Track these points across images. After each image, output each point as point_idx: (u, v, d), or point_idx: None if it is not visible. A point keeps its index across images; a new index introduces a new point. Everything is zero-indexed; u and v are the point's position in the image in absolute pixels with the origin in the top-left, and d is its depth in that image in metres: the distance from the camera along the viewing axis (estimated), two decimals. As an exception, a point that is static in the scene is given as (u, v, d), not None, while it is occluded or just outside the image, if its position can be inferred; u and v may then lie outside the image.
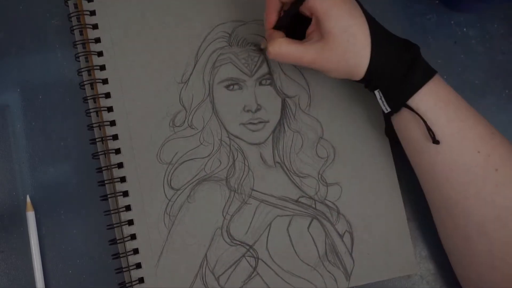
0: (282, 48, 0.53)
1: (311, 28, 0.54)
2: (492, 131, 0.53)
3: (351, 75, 0.54)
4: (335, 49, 0.52)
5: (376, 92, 0.55)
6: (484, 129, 0.53)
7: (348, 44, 0.51)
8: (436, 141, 0.52)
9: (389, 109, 0.54)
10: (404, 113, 0.53)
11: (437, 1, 0.66)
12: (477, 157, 0.51)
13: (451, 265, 0.58)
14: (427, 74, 0.53)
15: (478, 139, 0.52)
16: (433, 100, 0.52)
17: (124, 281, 0.58)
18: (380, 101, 0.55)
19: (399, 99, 0.53)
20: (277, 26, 0.56)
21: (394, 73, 0.52)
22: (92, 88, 0.61)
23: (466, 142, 0.52)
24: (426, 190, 0.57)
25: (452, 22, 0.66)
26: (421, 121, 0.52)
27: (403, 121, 0.54)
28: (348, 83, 0.61)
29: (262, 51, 0.62)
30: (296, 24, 0.56)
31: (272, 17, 0.56)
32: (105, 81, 0.61)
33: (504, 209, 0.51)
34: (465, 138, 0.52)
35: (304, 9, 0.53)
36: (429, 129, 0.51)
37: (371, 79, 0.54)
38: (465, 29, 0.66)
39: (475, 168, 0.51)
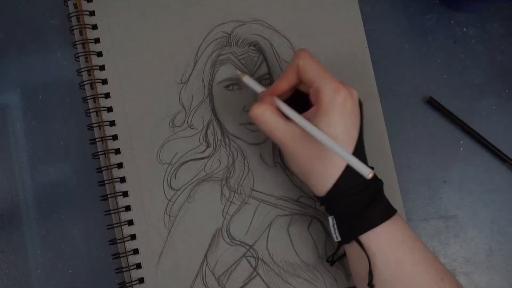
0: (265, 114, 0.50)
1: (306, 114, 0.51)
2: (442, 277, 0.50)
3: (309, 184, 0.52)
4: (311, 148, 0.49)
5: (330, 218, 0.52)
6: (434, 276, 0.49)
7: (324, 153, 0.49)
8: (370, 285, 0.49)
9: (339, 239, 0.52)
10: (355, 246, 0.51)
11: (437, 1, 0.66)
12: None
13: None
14: (386, 213, 0.50)
15: (425, 287, 0.49)
16: (385, 241, 0.49)
17: (124, 281, 0.58)
18: (331, 228, 0.52)
19: (351, 232, 0.50)
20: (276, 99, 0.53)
21: (353, 206, 0.50)
22: (92, 88, 0.61)
23: None
24: None
25: (452, 22, 0.66)
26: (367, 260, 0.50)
27: (353, 254, 0.52)
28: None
29: (237, 79, 0.61)
30: (302, 99, 0.53)
31: (281, 86, 0.53)
32: (104, 81, 0.61)
33: None
34: (410, 285, 0.49)
35: (312, 96, 0.51)
36: (370, 273, 0.49)
37: (329, 203, 0.51)
38: (465, 29, 0.66)
39: None
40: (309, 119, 0.49)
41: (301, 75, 0.51)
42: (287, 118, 0.51)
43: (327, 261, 0.58)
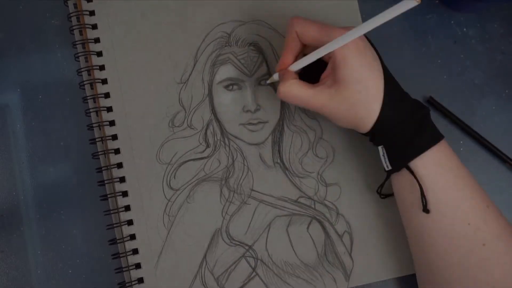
0: (293, 89, 0.52)
1: (326, 72, 0.53)
2: (488, 204, 0.51)
3: (357, 127, 0.53)
4: (346, 99, 0.51)
5: (380, 148, 0.54)
6: (479, 202, 0.51)
7: (360, 96, 0.50)
8: (426, 210, 0.51)
9: (390, 167, 0.53)
10: (403, 173, 0.52)
11: (437, 1, 0.66)
12: (466, 229, 0.50)
13: None
14: (433, 139, 0.51)
15: (471, 211, 0.50)
16: (433, 166, 0.51)
17: (124, 281, 0.58)
18: (382, 158, 0.54)
19: (401, 159, 0.52)
20: (291, 67, 0.55)
21: (400, 133, 0.51)
22: (91, 88, 0.61)
23: (458, 213, 0.50)
24: (413, 250, 0.56)
25: (452, 22, 0.66)
26: (418, 185, 0.51)
27: (401, 182, 0.53)
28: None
29: (269, 84, 0.62)
30: (311, 66, 0.54)
31: (288, 59, 0.55)
32: (104, 81, 0.61)
33: (485, 284, 0.49)
34: (457, 208, 0.50)
35: (324, 57, 0.53)
36: (422, 196, 0.51)
37: (376, 135, 0.53)
38: (465, 29, 0.66)
39: (463, 240, 0.50)
40: (330, 76, 0.52)
41: (303, 40, 0.53)
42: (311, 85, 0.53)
43: (377, 192, 0.60)
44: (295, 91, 0.52)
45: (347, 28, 0.50)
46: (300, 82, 0.53)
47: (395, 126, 0.51)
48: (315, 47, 0.52)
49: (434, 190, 0.51)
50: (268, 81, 0.60)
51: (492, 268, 0.50)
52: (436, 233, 0.51)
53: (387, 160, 0.53)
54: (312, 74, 0.55)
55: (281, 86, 0.53)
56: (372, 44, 0.54)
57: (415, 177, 0.51)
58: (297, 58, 0.55)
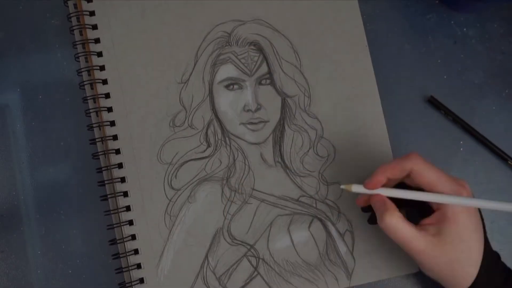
0: (399, 225, 0.49)
1: (430, 220, 0.51)
2: None
3: (448, 284, 0.52)
4: (447, 254, 0.49)
5: None
6: None
7: (461, 256, 0.49)
8: None
9: None
10: None
11: (437, 1, 0.66)
12: None
13: None
14: None
15: None
16: None
17: (124, 281, 0.58)
18: None
19: None
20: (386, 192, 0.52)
21: None
22: (92, 88, 0.61)
23: None
24: None
25: (452, 22, 0.66)
26: None
27: None
28: (347, 83, 0.61)
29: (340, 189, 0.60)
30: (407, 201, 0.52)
31: (382, 178, 0.52)
32: (104, 82, 0.61)
33: None
34: None
35: (432, 202, 0.52)
36: None
37: None
38: (465, 29, 0.66)
39: None
40: (434, 224, 0.51)
41: (415, 179, 0.51)
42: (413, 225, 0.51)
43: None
44: (400, 226, 0.50)
45: (464, 186, 0.50)
46: (404, 219, 0.50)
47: None
48: (418, 184, 0.51)
49: None
50: (344, 187, 0.54)
51: None
52: None
53: None
54: (402, 203, 0.53)
55: (386, 216, 0.50)
56: None
57: None
58: (387, 183, 0.53)
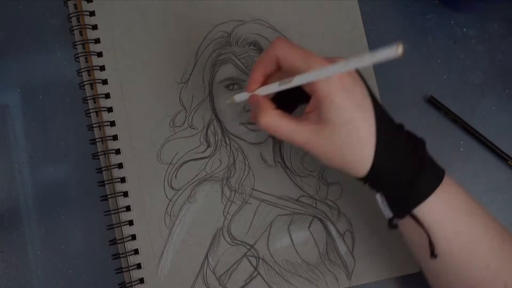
0: (276, 121, 0.46)
1: (309, 107, 0.47)
2: (503, 237, 0.48)
3: (347, 171, 0.48)
4: (332, 139, 0.45)
5: (378, 195, 0.49)
6: (495, 239, 0.47)
7: (348, 138, 0.45)
8: (433, 256, 0.47)
9: (391, 215, 0.49)
10: (408, 219, 0.47)
11: (437, 1, 0.66)
12: (486, 272, 0.47)
13: None
14: (435, 179, 0.47)
15: (489, 253, 0.47)
16: (441, 211, 0.46)
17: (124, 282, 0.58)
18: (381, 206, 0.49)
19: (403, 208, 0.47)
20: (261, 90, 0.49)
21: (399, 179, 0.46)
22: (92, 89, 0.61)
23: (475, 257, 0.47)
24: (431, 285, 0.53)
25: (452, 22, 0.66)
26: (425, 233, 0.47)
27: (407, 227, 0.49)
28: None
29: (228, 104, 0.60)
30: (286, 93, 0.48)
31: (259, 79, 0.49)
32: (104, 82, 0.61)
33: None
34: (473, 253, 0.47)
35: (304, 86, 0.46)
36: (430, 245, 0.47)
37: (372, 182, 0.48)
38: (465, 29, 0.66)
39: (483, 283, 0.47)
40: (314, 111, 0.46)
41: (283, 64, 0.47)
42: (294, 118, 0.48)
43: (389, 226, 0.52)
44: (278, 123, 0.46)
45: (331, 60, 0.45)
46: (283, 114, 0.47)
47: (393, 172, 0.46)
48: (291, 74, 0.46)
49: (445, 237, 0.47)
50: (229, 101, 0.55)
51: None
52: (454, 276, 0.48)
53: (386, 207, 0.49)
54: (285, 101, 0.51)
55: (261, 116, 0.47)
56: (361, 77, 0.48)
57: (422, 226, 0.47)
58: (267, 81, 0.50)
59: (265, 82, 0.50)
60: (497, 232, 0.48)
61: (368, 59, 0.39)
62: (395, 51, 0.38)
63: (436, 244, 0.47)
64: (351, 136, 0.45)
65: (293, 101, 0.51)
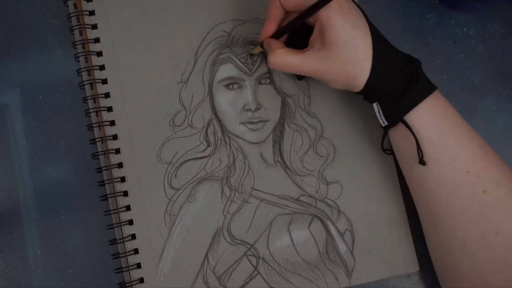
0: (283, 58, 0.53)
1: (313, 36, 0.53)
2: (486, 151, 0.52)
3: (350, 87, 0.54)
4: (336, 60, 0.51)
5: (375, 105, 0.55)
6: (477, 149, 0.52)
7: (349, 56, 0.51)
8: (422, 162, 0.52)
9: (386, 123, 0.54)
10: (400, 128, 0.53)
11: (437, 1, 0.66)
12: (466, 177, 0.51)
13: (437, 276, 0.58)
14: (426, 90, 0.52)
15: (470, 159, 0.51)
16: (428, 117, 0.52)
17: (124, 281, 0.58)
18: (377, 114, 0.55)
19: (396, 114, 0.53)
20: (276, 35, 0.56)
21: (393, 88, 0.52)
22: (92, 88, 0.61)
23: (457, 161, 0.51)
24: (416, 203, 0.57)
25: (452, 22, 0.66)
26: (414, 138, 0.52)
27: (398, 136, 0.54)
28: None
29: (251, 56, 0.62)
30: (297, 31, 0.56)
31: (271, 27, 0.56)
32: (104, 81, 0.61)
33: (489, 231, 0.50)
34: (456, 157, 0.51)
35: (309, 19, 0.53)
36: (418, 149, 0.52)
37: (370, 92, 0.54)
38: (465, 29, 0.66)
39: (463, 188, 0.51)
40: (317, 39, 0.52)
41: (286, 6, 0.54)
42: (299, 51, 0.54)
43: (383, 149, 0.60)
44: (285, 58, 0.53)
45: None
46: (289, 50, 0.54)
47: (387, 82, 0.52)
48: (298, 13, 0.53)
49: (431, 141, 0.52)
50: (254, 52, 0.61)
51: (494, 214, 0.51)
52: (436, 184, 0.52)
53: (382, 116, 0.54)
54: (299, 40, 0.56)
55: (270, 56, 0.54)
56: (356, 4, 0.54)
57: (411, 130, 0.52)
58: (280, 26, 0.56)
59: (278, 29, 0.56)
60: (480, 145, 0.53)
61: None
62: None
63: (422, 148, 0.52)
64: (351, 53, 0.51)
65: (304, 39, 0.55)
